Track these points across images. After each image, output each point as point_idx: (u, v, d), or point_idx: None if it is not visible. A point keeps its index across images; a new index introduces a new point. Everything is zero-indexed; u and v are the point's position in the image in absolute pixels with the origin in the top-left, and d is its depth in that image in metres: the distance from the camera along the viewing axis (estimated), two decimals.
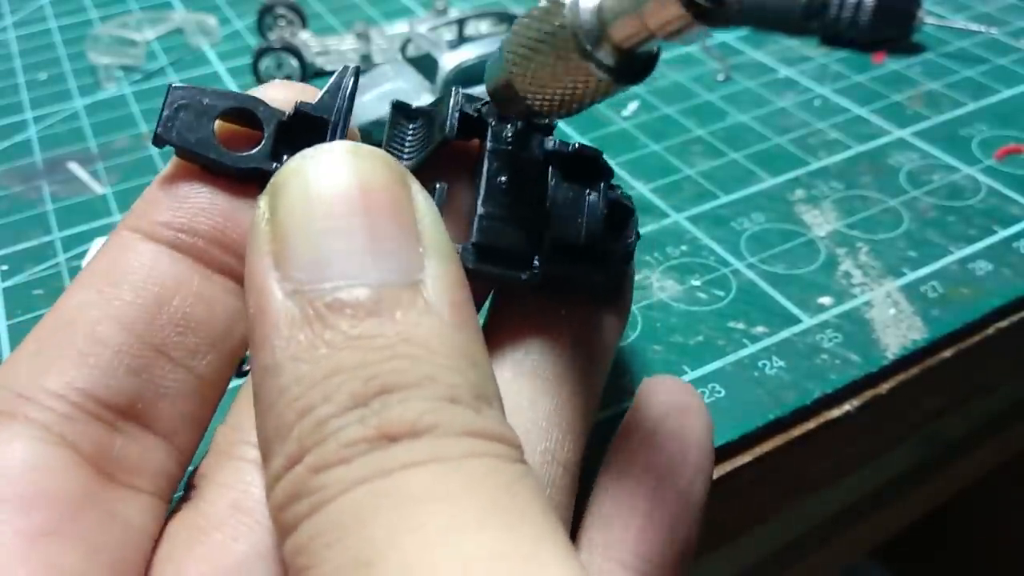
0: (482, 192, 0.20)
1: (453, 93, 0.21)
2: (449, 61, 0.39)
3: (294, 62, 0.46)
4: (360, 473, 0.14)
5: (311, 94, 0.21)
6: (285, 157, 0.19)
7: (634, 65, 0.17)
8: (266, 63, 0.46)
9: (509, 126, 0.21)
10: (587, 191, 0.21)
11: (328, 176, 0.16)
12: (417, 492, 0.14)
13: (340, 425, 0.14)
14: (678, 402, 0.22)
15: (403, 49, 0.44)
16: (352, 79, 0.21)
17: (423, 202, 0.17)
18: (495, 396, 0.16)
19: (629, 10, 0.16)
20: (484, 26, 0.47)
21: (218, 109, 0.20)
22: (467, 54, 0.39)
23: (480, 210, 0.20)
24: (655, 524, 0.20)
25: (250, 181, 0.20)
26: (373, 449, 0.14)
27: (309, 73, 0.47)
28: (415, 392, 0.14)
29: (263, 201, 0.17)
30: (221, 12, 0.55)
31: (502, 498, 0.14)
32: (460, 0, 0.56)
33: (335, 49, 0.48)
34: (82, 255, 0.35)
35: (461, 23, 0.45)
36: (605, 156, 0.22)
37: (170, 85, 0.20)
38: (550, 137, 0.21)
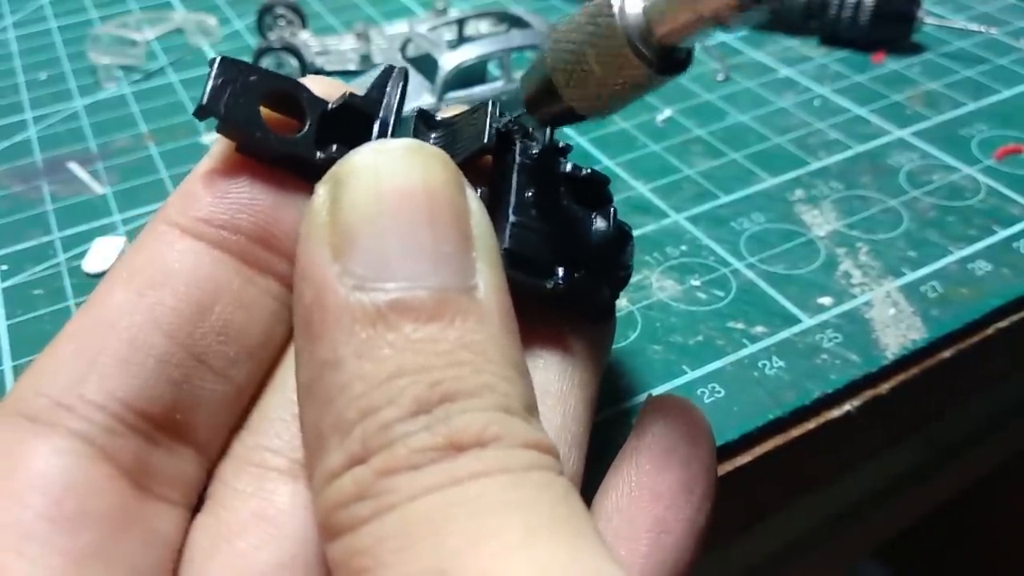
0: (512, 202, 0.20)
1: (490, 105, 0.21)
2: (449, 61, 0.39)
3: (294, 62, 0.46)
4: (431, 481, 0.14)
5: (343, 91, 0.21)
6: (335, 148, 0.20)
7: (674, 60, 0.18)
8: (266, 63, 0.46)
9: (535, 143, 0.22)
10: (592, 213, 0.22)
11: (399, 174, 0.16)
12: (490, 502, 0.14)
13: (407, 431, 0.14)
14: (687, 429, 0.21)
15: (403, 49, 0.44)
16: (402, 81, 0.21)
17: (476, 206, 0.17)
18: (536, 405, 0.16)
19: (678, 6, 0.17)
20: (484, 26, 0.47)
21: (264, 88, 0.19)
22: (467, 54, 0.39)
23: (512, 218, 0.20)
24: (661, 550, 0.20)
25: (291, 168, 0.19)
26: (443, 458, 0.14)
27: (309, 73, 0.47)
28: (476, 401, 0.15)
29: (323, 189, 0.16)
30: (221, 12, 0.55)
31: (561, 510, 0.14)
32: (460, 0, 0.56)
33: (335, 49, 0.48)
34: (82, 255, 0.35)
35: (461, 23, 0.45)
36: (602, 165, 0.22)
37: (217, 57, 0.19)
38: (564, 159, 0.22)
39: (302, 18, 0.50)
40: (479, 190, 0.18)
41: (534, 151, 0.21)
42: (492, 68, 0.43)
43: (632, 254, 0.23)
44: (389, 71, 0.21)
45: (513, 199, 0.20)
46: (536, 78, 0.20)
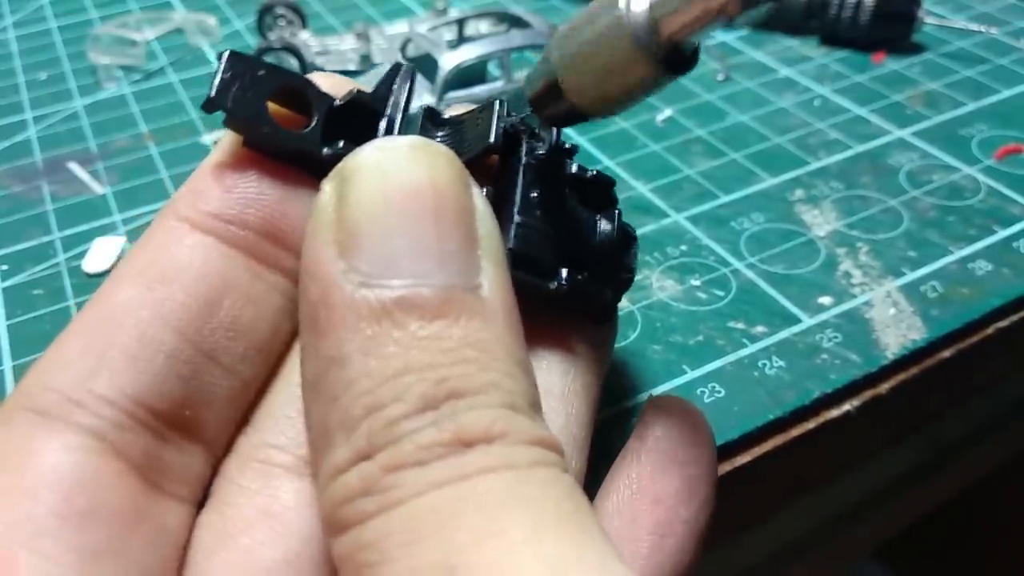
0: (517, 202, 0.20)
1: (498, 105, 0.21)
2: (449, 61, 0.39)
3: (294, 62, 0.46)
4: (438, 476, 0.14)
5: (350, 87, 0.21)
6: (342, 144, 0.20)
7: (681, 57, 0.18)
8: None
9: (541, 144, 0.21)
10: (596, 215, 0.22)
11: (405, 172, 0.16)
12: (497, 498, 0.14)
13: (414, 427, 0.14)
14: (688, 431, 0.21)
15: (403, 49, 0.44)
16: (410, 78, 0.21)
17: (482, 205, 0.17)
18: (540, 403, 0.16)
19: (685, 0, 0.17)
20: (484, 26, 0.47)
21: (272, 83, 0.19)
22: (467, 54, 0.39)
23: (517, 218, 0.20)
24: (662, 552, 0.20)
25: (298, 163, 0.19)
26: (450, 454, 0.14)
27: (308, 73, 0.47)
28: (482, 399, 0.15)
29: (329, 186, 0.16)
30: (221, 12, 0.55)
31: (567, 507, 0.14)
32: (460, 0, 0.56)
33: (335, 49, 0.48)
34: (82, 255, 0.35)
35: (461, 23, 0.45)
36: (603, 165, 0.22)
37: (226, 52, 0.19)
38: (570, 160, 0.22)
39: (302, 18, 0.50)
40: (485, 189, 0.18)
41: (540, 151, 0.21)
42: (492, 68, 0.43)
43: (636, 257, 0.23)
44: (397, 68, 0.21)
45: (518, 199, 0.20)
46: (540, 77, 0.20)
